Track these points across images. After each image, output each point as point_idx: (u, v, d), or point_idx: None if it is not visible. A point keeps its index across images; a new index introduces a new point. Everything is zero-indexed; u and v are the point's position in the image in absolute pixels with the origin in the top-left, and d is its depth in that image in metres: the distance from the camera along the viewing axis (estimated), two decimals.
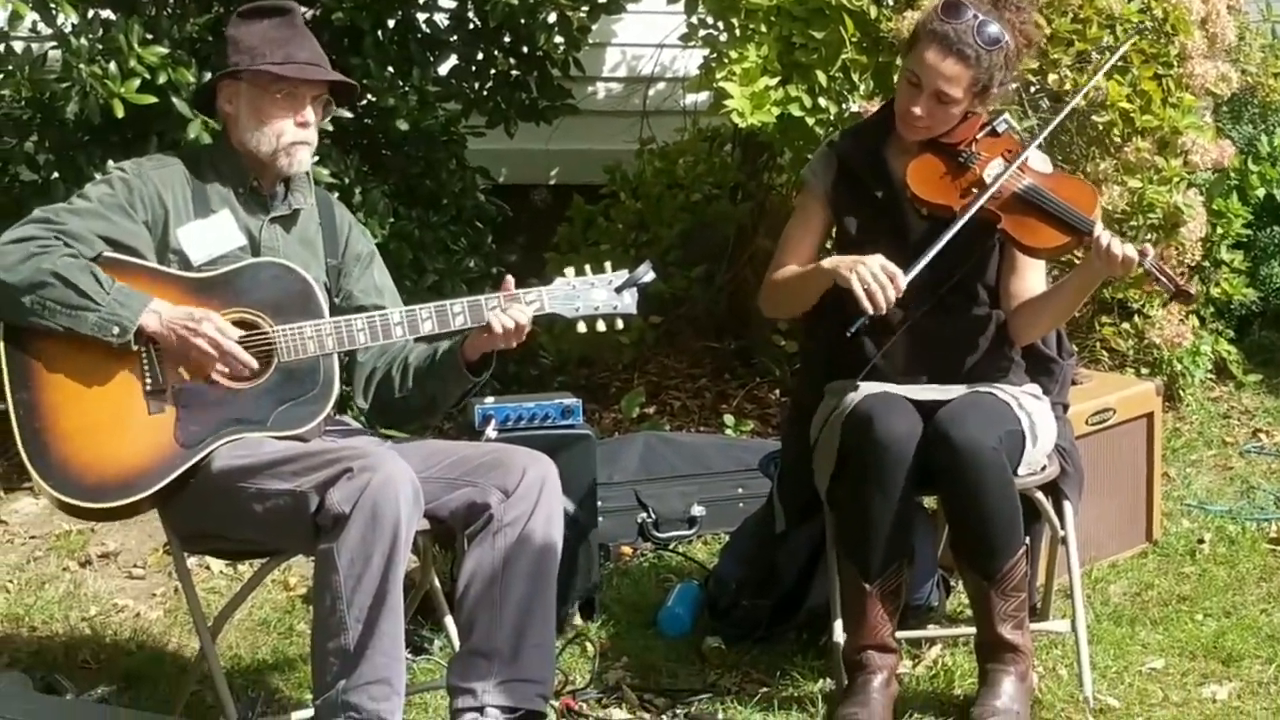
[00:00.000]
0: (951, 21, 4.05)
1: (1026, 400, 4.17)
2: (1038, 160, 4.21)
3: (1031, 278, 4.24)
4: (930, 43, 4.07)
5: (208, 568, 5.06)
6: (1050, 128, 4.32)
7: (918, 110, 4.12)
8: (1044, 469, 4.24)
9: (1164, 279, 4.02)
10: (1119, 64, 5.48)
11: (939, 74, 4.07)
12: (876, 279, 3.97)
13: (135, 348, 3.71)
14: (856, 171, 4.27)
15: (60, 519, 5.33)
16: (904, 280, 3.99)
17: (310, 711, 3.76)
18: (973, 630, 4.20)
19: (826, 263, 4.13)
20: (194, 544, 3.97)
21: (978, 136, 4.18)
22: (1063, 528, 4.34)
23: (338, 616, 3.59)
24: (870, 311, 3.97)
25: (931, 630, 4.57)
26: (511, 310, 3.82)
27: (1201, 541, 5.31)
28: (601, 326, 3.92)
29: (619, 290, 3.91)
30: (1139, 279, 4.12)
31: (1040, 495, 4.27)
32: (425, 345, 4.05)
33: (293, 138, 3.91)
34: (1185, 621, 4.71)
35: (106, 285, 3.69)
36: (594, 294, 3.91)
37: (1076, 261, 4.70)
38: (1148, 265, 3.98)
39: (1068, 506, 4.34)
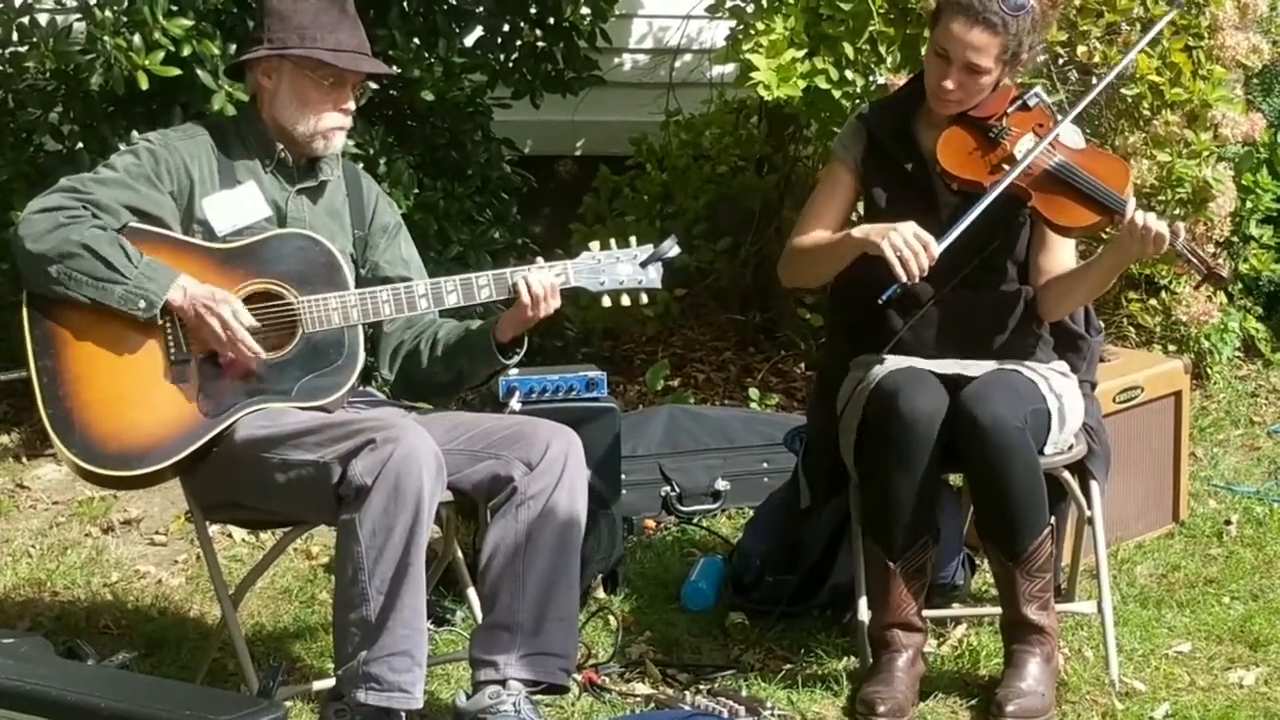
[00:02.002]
0: None
1: (1055, 380, 4.13)
2: (1070, 135, 4.14)
3: (1062, 254, 4.19)
4: (955, 14, 4.01)
5: (229, 536, 5.06)
6: (1082, 105, 4.26)
7: (949, 84, 4.06)
8: (1071, 448, 4.20)
9: (1195, 260, 3.96)
10: None
11: (967, 45, 4.01)
12: (909, 245, 3.91)
13: (160, 321, 3.71)
14: (885, 144, 4.22)
15: (83, 485, 5.31)
16: (937, 249, 3.93)
17: (332, 681, 3.76)
18: (998, 610, 4.18)
19: (856, 232, 4.07)
20: (216, 513, 3.97)
21: (1008, 111, 4.11)
22: (1089, 508, 4.29)
23: (359, 587, 3.59)
24: (904, 279, 3.91)
25: (956, 610, 4.54)
26: (539, 275, 3.81)
27: (1229, 523, 5.27)
28: (626, 301, 3.92)
29: (644, 264, 3.90)
30: (1169, 257, 4.07)
31: (1067, 475, 4.23)
32: (457, 322, 4.04)
33: (332, 123, 3.91)
34: (1212, 604, 4.67)
35: (134, 259, 3.69)
36: (619, 268, 3.90)
37: (1105, 237, 4.66)
38: (1179, 246, 3.92)
39: (1094, 486, 4.29)
